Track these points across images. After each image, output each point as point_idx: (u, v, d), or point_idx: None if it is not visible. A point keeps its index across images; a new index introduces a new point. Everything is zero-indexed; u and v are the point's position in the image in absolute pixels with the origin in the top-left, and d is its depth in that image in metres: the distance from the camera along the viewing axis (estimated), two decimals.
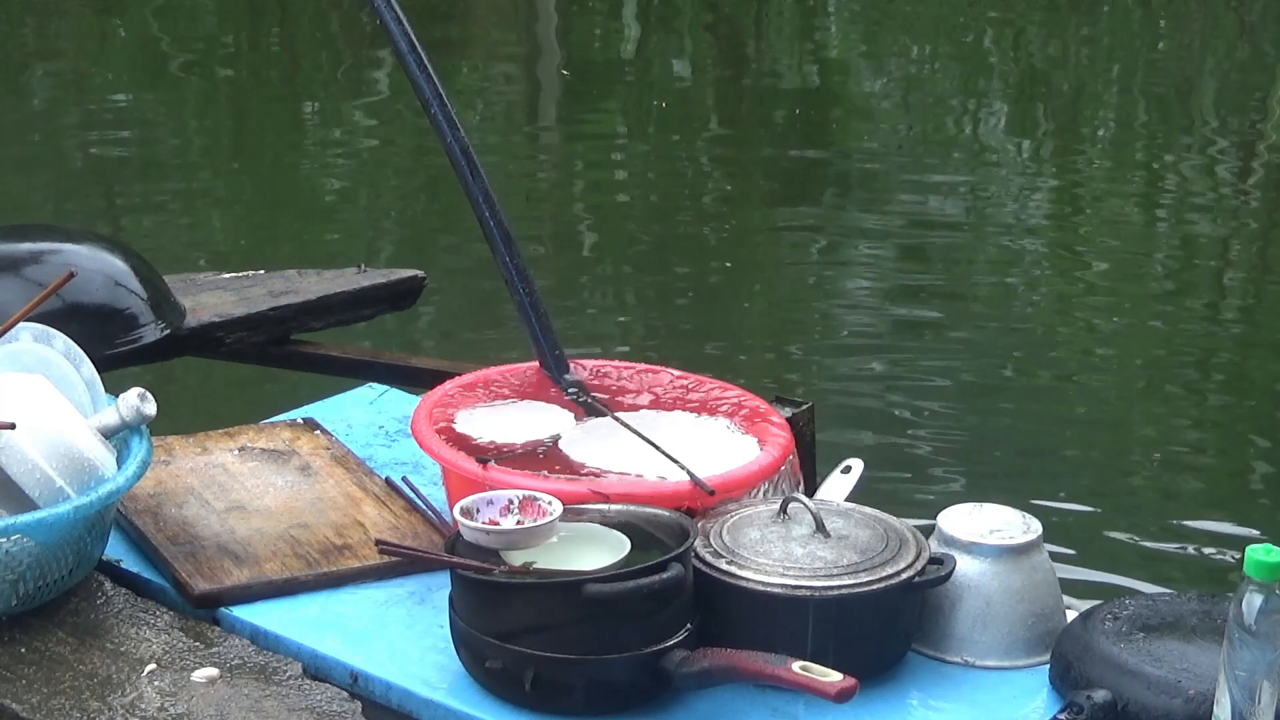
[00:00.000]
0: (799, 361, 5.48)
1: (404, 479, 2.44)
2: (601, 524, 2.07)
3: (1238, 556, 1.78)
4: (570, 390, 2.47)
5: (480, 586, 1.96)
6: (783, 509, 2.11)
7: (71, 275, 2.48)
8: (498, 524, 2.05)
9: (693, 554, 2.00)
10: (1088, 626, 2.01)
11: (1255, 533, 4.19)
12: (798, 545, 2.04)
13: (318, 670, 2.06)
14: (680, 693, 1.96)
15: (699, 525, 2.07)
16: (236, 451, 2.54)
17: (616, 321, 5.80)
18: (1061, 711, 1.94)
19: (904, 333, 5.63)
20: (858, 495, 2.35)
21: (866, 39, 10.52)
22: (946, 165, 7.71)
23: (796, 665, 1.84)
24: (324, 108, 8.48)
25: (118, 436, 2.24)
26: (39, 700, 1.97)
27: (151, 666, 2.03)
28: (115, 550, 2.28)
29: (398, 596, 2.19)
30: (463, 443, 2.29)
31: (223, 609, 2.16)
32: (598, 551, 2.01)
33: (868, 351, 5.45)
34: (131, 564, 2.27)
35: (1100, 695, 1.92)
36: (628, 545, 2.01)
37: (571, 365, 2.53)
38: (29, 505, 2.11)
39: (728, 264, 6.35)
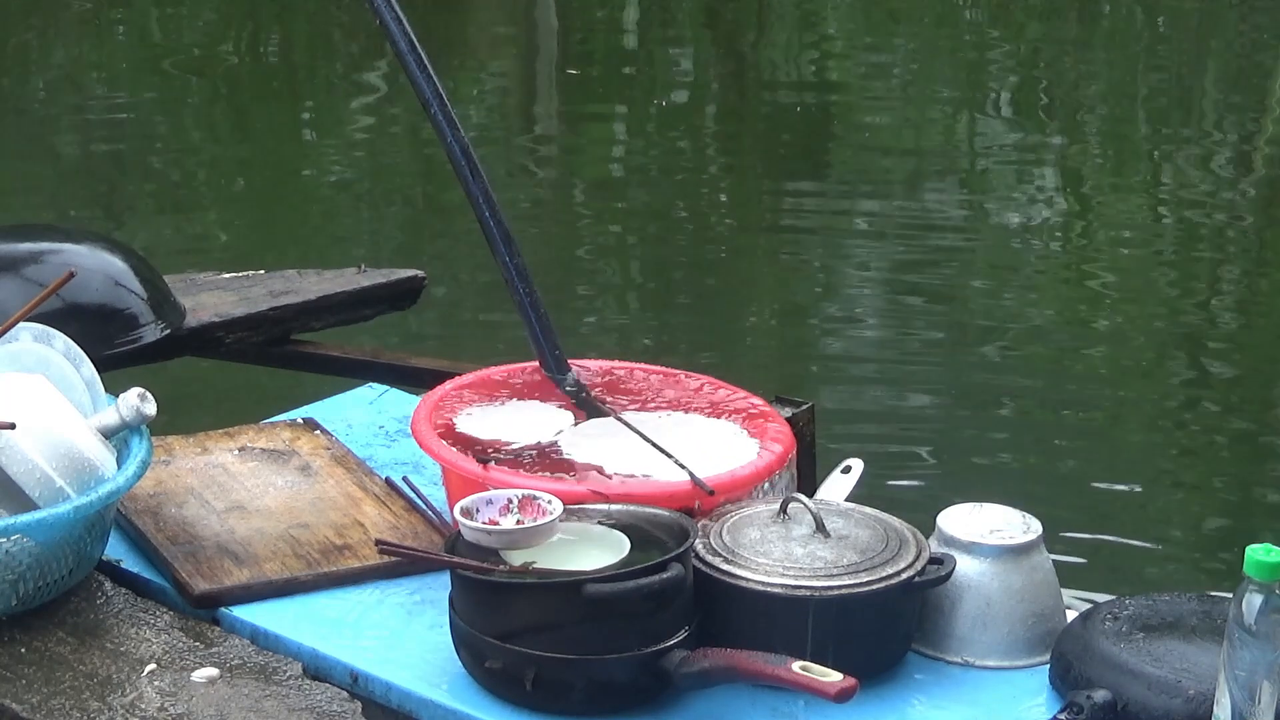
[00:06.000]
0: (799, 361, 5.48)
1: (404, 479, 2.44)
2: (601, 524, 2.07)
3: (1238, 556, 1.78)
4: (570, 390, 2.47)
5: (480, 586, 1.96)
6: (783, 509, 2.11)
7: (71, 275, 2.48)
8: (498, 524, 2.05)
9: (693, 554, 2.00)
10: (1088, 626, 2.01)
11: (1255, 533, 4.19)
12: (798, 545, 2.04)
13: (318, 670, 2.06)
14: (680, 693, 1.96)
15: (699, 525, 2.07)
16: (236, 451, 2.54)
17: (616, 321, 5.81)
18: (1061, 711, 1.93)
19: (904, 332, 5.64)
20: (858, 495, 2.35)
21: (867, 36, 10.52)
22: (947, 165, 7.71)
23: (796, 665, 1.84)
24: (324, 107, 8.48)
25: (118, 436, 2.24)
26: (39, 700, 1.97)
27: (151, 666, 2.03)
28: (115, 550, 2.28)
29: (398, 596, 2.19)
30: (463, 443, 2.29)
31: (223, 609, 2.16)
32: (598, 551, 2.01)
33: (868, 351, 5.45)
34: (131, 564, 2.27)
35: (1100, 695, 1.92)
36: (628, 545, 2.01)
37: (571, 365, 2.53)
38: (29, 505, 2.11)
39: (728, 263, 6.35)
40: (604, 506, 2.11)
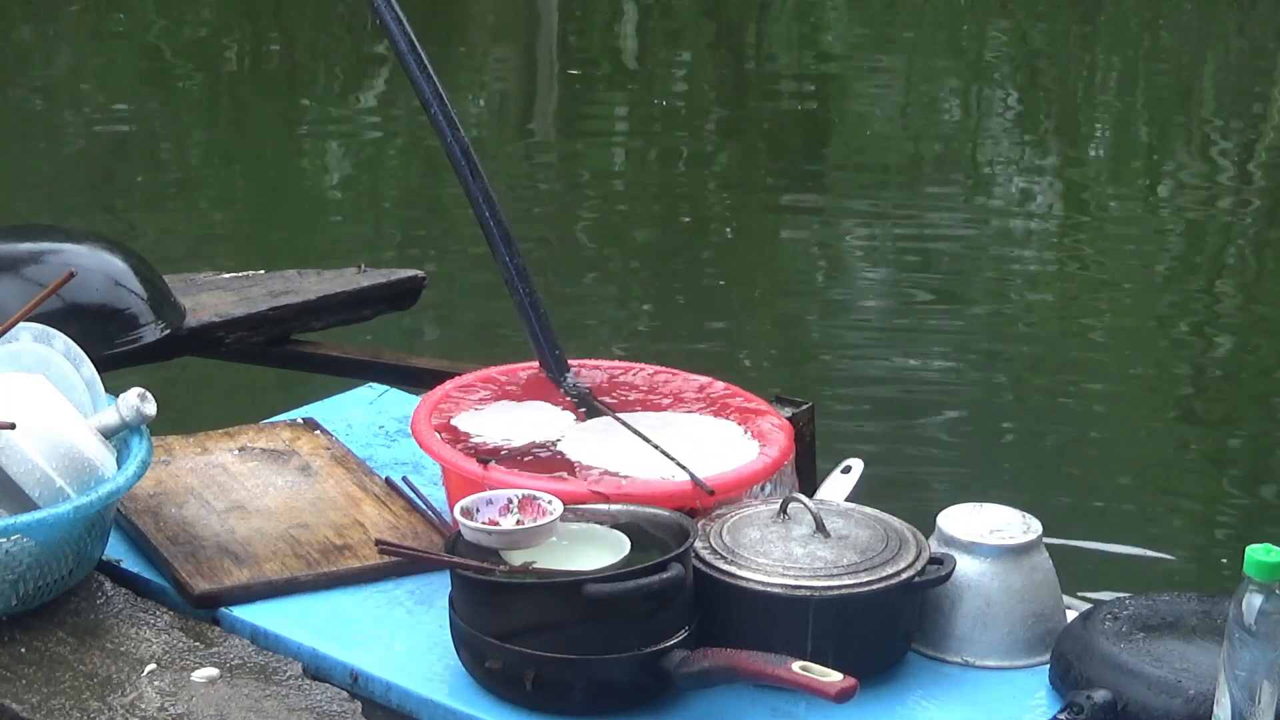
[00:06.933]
0: (799, 361, 5.48)
1: (404, 479, 2.44)
2: (601, 524, 2.07)
3: (1238, 556, 1.78)
4: (570, 390, 2.47)
5: (480, 586, 1.97)
6: (783, 509, 2.11)
7: (71, 275, 2.48)
8: (497, 524, 2.05)
9: (693, 554, 2.00)
10: (1088, 626, 2.02)
11: (1255, 533, 4.19)
12: (798, 545, 2.04)
13: (318, 670, 2.06)
14: (680, 693, 1.96)
15: (699, 525, 2.07)
16: (236, 451, 2.54)
17: (616, 321, 5.81)
18: (1061, 711, 1.94)
19: (904, 332, 5.64)
20: (858, 495, 2.35)
21: (867, 36, 10.52)
22: (947, 166, 7.71)
23: (796, 665, 1.85)
24: (324, 107, 8.48)
25: (118, 436, 2.24)
26: (39, 700, 1.97)
27: (151, 666, 2.03)
28: (115, 550, 2.28)
29: (398, 596, 2.19)
30: (463, 443, 2.29)
31: (223, 609, 2.16)
32: (598, 551, 2.01)
33: (868, 351, 5.45)
34: (131, 564, 2.27)
35: (1100, 695, 1.92)
36: (628, 545, 2.01)
37: (571, 365, 2.53)
38: (29, 505, 2.11)
39: (728, 264, 6.35)
40: (604, 506, 2.11)
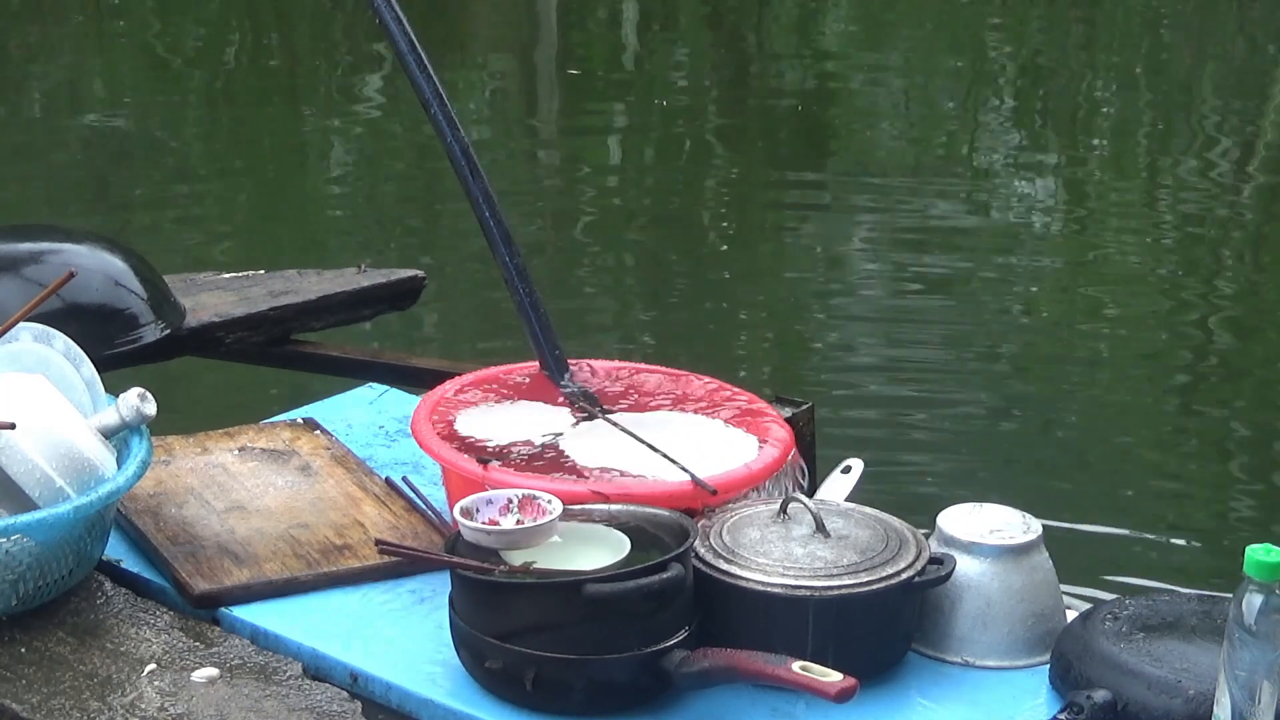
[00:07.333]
0: (799, 361, 5.48)
1: (404, 479, 2.44)
2: (601, 524, 2.07)
3: (1238, 556, 1.78)
4: (569, 390, 2.47)
5: (480, 586, 1.96)
6: (783, 509, 2.11)
7: (71, 275, 2.48)
8: (497, 524, 2.05)
9: (693, 554, 2.00)
10: (1088, 626, 2.01)
11: (1256, 533, 4.19)
12: (798, 545, 2.04)
13: (318, 670, 2.06)
14: (680, 693, 1.96)
15: (699, 525, 2.07)
16: (236, 451, 2.54)
17: (616, 321, 5.81)
18: (1061, 711, 1.94)
19: (905, 332, 5.64)
20: (858, 495, 2.35)
21: (867, 34, 10.52)
22: (947, 164, 7.71)
23: (796, 665, 1.84)
24: (324, 107, 8.48)
25: (118, 436, 2.24)
26: (39, 700, 1.97)
27: (151, 666, 2.03)
28: (115, 550, 2.28)
29: (398, 596, 2.19)
30: (463, 443, 2.29)
31: (223, 609, 2.16)
32: (598, 551, 2.01)
33: (868, 351, 5.45)
34: (131, 564, 2.27)
35: (1100, 695, 1.92)
36: (628, 545, 2.01)
37: (571, 365, 2.53)
38: (29, 505, 2.11)
39: (728, 263, 6.35)
40: (604, 506, 2.11)
